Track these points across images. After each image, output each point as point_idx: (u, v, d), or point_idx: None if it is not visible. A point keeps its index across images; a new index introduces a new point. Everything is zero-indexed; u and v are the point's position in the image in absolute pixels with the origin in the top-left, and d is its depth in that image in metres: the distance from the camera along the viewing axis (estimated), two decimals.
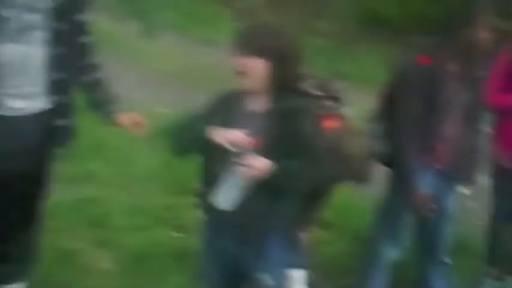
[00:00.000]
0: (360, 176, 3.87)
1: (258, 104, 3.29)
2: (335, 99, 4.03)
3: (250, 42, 3.24)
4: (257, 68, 3.22)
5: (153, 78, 7.87)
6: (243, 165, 3.12)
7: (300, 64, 3.33)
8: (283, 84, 3.27)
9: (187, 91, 7.55)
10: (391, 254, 4.28)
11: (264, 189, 3.20)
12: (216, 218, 3.38)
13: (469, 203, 5.03)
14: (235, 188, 3.19)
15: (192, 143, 3.34)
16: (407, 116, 4.03)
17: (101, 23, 7.57)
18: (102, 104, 3.79)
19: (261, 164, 3.14)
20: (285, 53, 3.24)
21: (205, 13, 10.10)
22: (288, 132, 3.22)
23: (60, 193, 4.89)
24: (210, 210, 3.37)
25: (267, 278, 3.40)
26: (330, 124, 3.89)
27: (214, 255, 3.52)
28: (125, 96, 7.10)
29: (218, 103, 3.36)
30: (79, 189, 5.14)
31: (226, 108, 3.31)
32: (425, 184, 4.07)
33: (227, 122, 3.25)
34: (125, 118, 3.74)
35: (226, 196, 3.21)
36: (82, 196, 5.02)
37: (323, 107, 3.95)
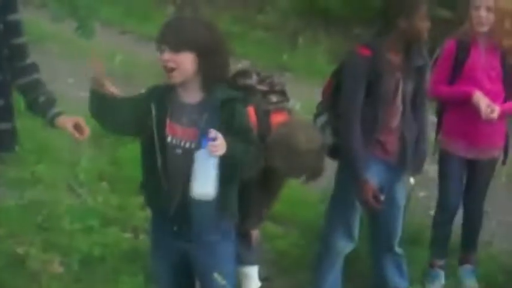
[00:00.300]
0: (312, 171, 3.87)
1: (191, 96, 3.31)
2: (280, 93, 4.03)
3: (177, 37, 3.23)
4: (185, 62, 3.24)
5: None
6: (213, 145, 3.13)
7: (228, 55, 3.37)
8: (214, 75, 3.30)
9: (129, 88, 7.46)
10: (344, 246, 4.28)
11: None
12: (162, 213, 3.37)
13: (418, 193, 5.08)
14: (209, 174, 3.16)
15: (115, 123, 3.43)
16: (350, 107, 4.04)
17: (41, 23, 7.50)
18: (42, 106, 3.68)
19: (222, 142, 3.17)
20: (211, 45, 3.27)
21: (145, 9, 10.00)
22: (224, 121, 3.25)
23: (6, 198, 4.81)
24: (155, 204, 3.38)
25: (218, 278, 3.38)
26: (278, 118, 3.90)
27: (163, 253, 3.49)
28: (68, 95, 7.11)
29: (151, 95, 3.35)
30: (25, 193, 5.04)
31: (159, 101, 3.30)
32: (372, 175, 4.08)
33: (161, 114, 3.28)
34: (67, 121, 3.61)
35: (204, 185, 3.17)
36: (28, 200, 4.92)
37: (269, 102, 3.95)
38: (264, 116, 3.85)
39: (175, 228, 3.38)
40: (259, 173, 3.83)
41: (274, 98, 3.97)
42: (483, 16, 4.32)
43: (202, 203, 3.22)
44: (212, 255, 3.42)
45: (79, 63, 7.93)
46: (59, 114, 3.64)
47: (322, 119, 4.27)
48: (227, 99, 3.31)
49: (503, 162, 4.64)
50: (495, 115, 4.30)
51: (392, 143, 4.14)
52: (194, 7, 9.91)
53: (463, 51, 4.41)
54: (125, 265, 4.51)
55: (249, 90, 3.92)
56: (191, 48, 3.22)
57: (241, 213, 3.95)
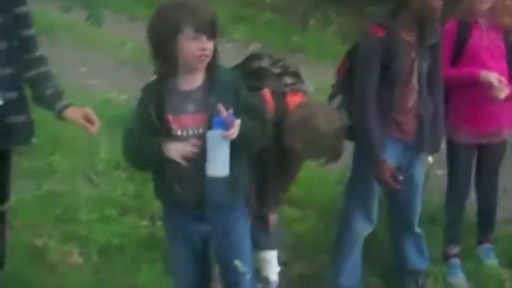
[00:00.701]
0: (332, 153, 3.85)
1: (194, 82, 3.30)
2: (295, 74, 4.01)
3: (212, 25, 3.22)
4: (212, 48, 3.26)
5: (107, 64, 7.76)
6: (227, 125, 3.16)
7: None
8: (217, 58, 3.32)
9: (141, 74, 7.44)
10: (364, 228, 4.26)
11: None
12: (182, 202, 3.36)
13: (436, 171, 5.04)
14: (223, 153, 3.20)
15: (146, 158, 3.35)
16: (365, 88, 4.00)
17: (51, 13, 7.49)
18: (49, 99, 3.65)
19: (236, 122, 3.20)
20: (218, 30, 3.29)
21: None
22: (231, 101, 3.26)
23: (22, 190, 4.81)
24: (174, 196, 3.35)
25: (239, 264, 3.40)
26: (294, 100, 3.88)
27: (183, 241, 3.50)
28: (81, 84, 7.11)
29: (146, 98, 3.31)
30: (42, 184, 5.03)
31: (159, 97, 3.27)
32: (390, 156, 4.05)
33: (166, 109, 3.26)
34: (75, 113, 3.58)
35: (219, 165, 3.22)
36: (45, 191, 4.92)
37: (284, 84, 3.93)
38: (280, 97, 3.84)
39: (196, 213, 3.39)
40: (276, 155, 3.82)
41: (288, 80, 3.96)
42: None
43: (217, 182, 3.25)
44: (230, 234, 3.47)
45: (90, 52, 7.98)
46: (67, 106, 3.62)
47: (337, 100, 4.24)
48: (230, 81, 3.34)
49: None
50: (503, 95, 4.19)
51: (409, 123, 4.10)
52: None
53: (464, 31, 4.31)
54: (143, 253, 4.52)
55: (262, 73, 3.90)
56: (216, 36, 3.25)
57: (259, 197, 3.95)
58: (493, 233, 4.71)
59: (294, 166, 4.06)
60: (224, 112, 3.17)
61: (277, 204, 4.18)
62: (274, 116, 3.72)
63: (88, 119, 3.54)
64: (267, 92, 3.83)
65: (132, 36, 8.49)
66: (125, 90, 6.92)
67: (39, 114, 6.10)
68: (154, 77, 3.34)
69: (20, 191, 4.81)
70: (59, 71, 7.20)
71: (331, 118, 3.81)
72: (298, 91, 3.95)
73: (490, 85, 4.20)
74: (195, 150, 3.24)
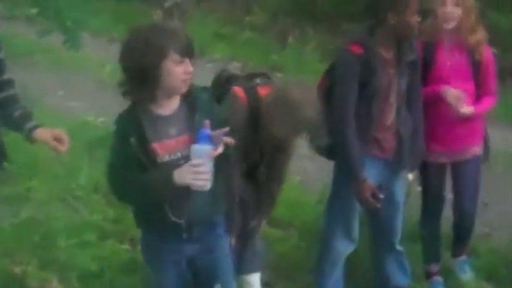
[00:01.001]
0: (312, 125, 3.81)
1: (171, 105, 3.26)
2: (263, 75, 4.02)
3: (193, 48, 3.21)
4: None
5: (86, 86, 7.72)
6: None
7: None
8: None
9: (120, 97, 7.42)
10: (345, 247, 4.25)
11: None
12: (171, 223, 3.31)
13: (416, 188, 5.03)
14: (208, 166, 3.14)
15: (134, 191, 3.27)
16: (344, 106, 4.00)
17: (29, 36, 7.45)
18: (18, 120, 3.61)
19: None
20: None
21: (132, 16, 9.94)
22: (210, 117, 3.21)
23: (0, 217, 4.76)
24: (161, 219, 3.30)
25: None
26: (265, 91, 3.87)
27: (169, 267, 3.45)
28: (59, 107, 7.06)
29: (128, 128, 3.23)
30: (19, 210, 4.97)
31: (139, 127, 3.20)
32: (370, 174, 4.05)
33: (149, 138, 3.20)
34: (45, 133, 3.55)
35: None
36: (23, 218, 4.86)
37: (255, 83, 3.92)
38: (251, 91, 3.84)
39: (185, 234, 3.35)
40: (264, 154, 3.81)
41: (258, 80, 3.94)
42: (450, 12, 4.14)
43: (202, 198, 3.22)
44: (213, 253, 3.45)
45: (69, 75, 7.94)
46: (36, 127, 3.59)
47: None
48: (208, 97, 3.34)
49: (485, 160, 4.49)
50: (463, 111, 4.17)
51: (388, 140, 4.11)
52: (182, 11, 9.86)
53: (429, 52, 4.24)
54: (123, 277, 4.47)
55: (232, 78, 3.91)
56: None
57: (253, 205, 3.92)
58: (469, 245, 4.66)
59: (282, 160, 4.01)
60: (207, 127, 3.12)
61: (271, 208, 4.14)
62: (248, 109, 3.71)
63: (58, 139, 3.50)
64: (237, 89, 3.82)
65: (112, 58, 8.45)
66: (103, 113, 6.88)
67: (16, 138, 6.10)
68: (128, 104, 3.29)
69: None
70: (37, 94, 7.26)
71: (304, 88, 3.79)
72: (269, 85, 3.93)
73: (452, 99, 4.17)
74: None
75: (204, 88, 3.42)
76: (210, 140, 3.11)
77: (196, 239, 3.40)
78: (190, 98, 3.28)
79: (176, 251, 3.42)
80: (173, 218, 3.28)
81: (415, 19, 3.94)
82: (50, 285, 4.36)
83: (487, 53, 4.28)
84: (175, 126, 3.25)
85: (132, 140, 3.18)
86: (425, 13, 4.04)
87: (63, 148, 3.49)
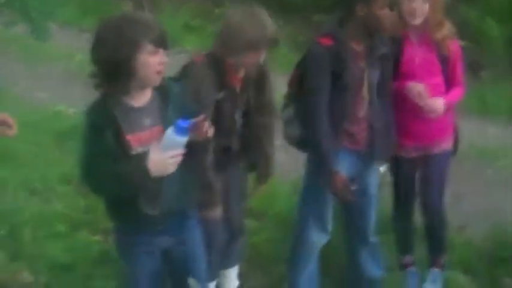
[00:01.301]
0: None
1: (144, 97, 3.23)
2: None
3: (166, 38, 3.17)
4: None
5: (55, 77, 7.63)
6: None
7: None
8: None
9: (90, 87, 7.34)
10: (318, 239, 4.22)
11: (185, 163, 3.19)
12: (146, 215, 3.27)
13: (389, 178, 5.04)
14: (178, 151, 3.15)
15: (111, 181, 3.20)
16: (315, 98, 3.97)
17: None
18: None
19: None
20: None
21: (102, 6, 9.84)
22: (179, 110, 3.22)
23: None
24: (136, 211, 3.25)
25: (193, 283, 3.40)
26: None
27: (143, 258, 3.41)
28: (27, 97, 6.97)
29: (102, 120, 3.18)
30: None
31: (113, 119, 3.16)
32: (342, 167, 4.03)
33: (123, 129, 3.16)
34: None
35: None
36: None
37: None
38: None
39: (159, 226, 3.32)
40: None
41: None
42: (418, 8, 4.07)
43: (173, 188, 3.21)
44: (186, 244, 3.43)
45: (38, 65, 7.84)
46: None
47: (289, 111, 4.22)
48: (178, 90, 3.33)
49: (454, 153, 4.44)
50: (440, 108, 4.14)
51: (360, 133, 4.09)
52: (152, 2, 9.78)
53: (395, 47, 4.16)
54: (96, 269, 4.42)
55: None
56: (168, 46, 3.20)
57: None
58: (443, 254, 4.54)
59: (269, 115, 4.02)
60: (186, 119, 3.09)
61: (270, 160, 4.11)
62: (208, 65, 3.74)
63: (4, 123, 3.43)
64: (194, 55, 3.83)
65: (81, 48, 8.38)
66: (74, 103, 6.81)
67: None
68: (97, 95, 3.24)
69: None
70: (5, 83, 7.15)
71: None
72: None
73: (418, 98, 4.13)
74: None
75: (174, 79, 3.41)
76: (186, 132, 3.09)
77: (170, 230, 3.38)
78: (162, 89, 3.25)
79: (150, 243, 3.38)
80: (148, 211, 3.24)
81: (383, 12, 3.89)
82: (20, 277, 4.30)
83: (455, 46, 4.25)
84: (149, 118, 3.22)
85: (107, 132, 3.13)
86: (391, 7, 4.00)
87: (11, 132, 3.42)
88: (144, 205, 3.24)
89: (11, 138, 5.72)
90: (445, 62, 4.22)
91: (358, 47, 3.98)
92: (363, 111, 4.06)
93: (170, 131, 3.08)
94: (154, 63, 3.13)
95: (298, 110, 4.15)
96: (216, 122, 3.63)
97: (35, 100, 6.98)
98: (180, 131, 3.07)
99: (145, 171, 3.11)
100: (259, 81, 3.96)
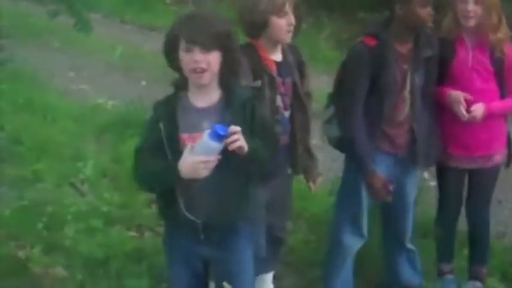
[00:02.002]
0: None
1: (208, 98, 3.20)
2: None
3: (208, 36, 3.09)
4: (215, 61, 3.13)
5: (96, 69, 7.65)
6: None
7: (238, 50, 3.27)
8: (232, 73, 3.23)
9: (131, 80, 7.37)
10: (354, 242, 4.16)
11: (232, 175, 3.15)
12: (186, 221, 3.22)
13: (429, 183, 4.95)
14: (210, 157, 3.08)
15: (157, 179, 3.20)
16: (353, 98, 3.91)
17: (39, 16, 7.38)
18: None
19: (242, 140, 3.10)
20: (232, 41, 3.18)
21: None
22: (247, 121, 3.18)
23: (6, 199, 4.70)
24: (177, 214, 3.22)
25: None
26: None
27: (183, 262, 3.36)
28: (70, 88, 7.01)
29: (157, 115, 3.20)
30: (26, 193, 4.89)
31: (171, 115, 3.17)
32: (380, 169, 3.96)
33: (171, 131, 3.15)
34: None
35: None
36: (29, 200, 4.78)
37: None
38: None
39: (201, 235, 3.27)
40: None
41: None
42: (471, 10, 3.97)
43: (224, 203, 3.17)
44: (232, 264, 3.34)
45: (79, 57, 7.87)
46: None
47: (330, 111, 4.16)
48: (247, 98, 3.24)
49: (507, 165, 4.33)
50: (477, 114, 4.02)
51: (400, 137, 4.01)
52: None
53: (447, 50, 4.07)
54: (129, 266, 4.39)
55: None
56: (219, 47, 3.12)
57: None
58: (485, 266, 4.43)
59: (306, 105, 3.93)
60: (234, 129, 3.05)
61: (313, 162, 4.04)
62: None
63: None
64: None
65: (123, 40, 8.41)
66: (114, 96, 6.83)
67: (24, 119, 6.05)
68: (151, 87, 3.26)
69: (3, 200, 4.71)
70: (47, 75, 7.19)
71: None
72: None
73: (456, 109, 4.03)
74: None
75: (246, 87, 3.37)
76: (222, 139, 3.02)
77: (215, 242, 3.29)
78: (230, 94, 3.20)
79: (192, 251, 3.32)
80: (186, 213, 3.19)
81: (425, 11, 3.81)
82: (54, 271, 4.29)
83: (510, 51, 4.10)
84: (208, 120, 3.16)
85: (161, 125, 3.14)
86: (445, 9, 3.91)
87: None
88: (184, 208, 3.19)
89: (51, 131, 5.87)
90: (500, 67, 4.10)
91: (402, 48, 3.91)
92: (403, 114, 3.98)
93: (206, 135, 3.02)
94: (188, 60, 3.11)
95: (337, 110, 4.09)
96: None
97: (75, 92, 7.00)
98: (216, 137, 3.00)
99: (174, 170, 3.07)
100: (300, 68, 3.89)
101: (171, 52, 3.15)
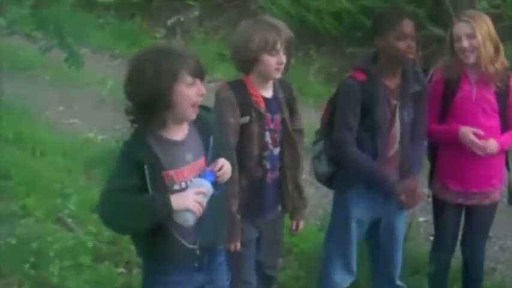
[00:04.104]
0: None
1: (183, 129, 3.19)
2: None
3: (201, 67, 3.13)
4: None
5: (86, 103, 7.66)
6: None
7: None
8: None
9: (121, 114, 7.35)
10: (343, 279, 4.14)
11: (219, 196, 3.20)
12: (183, 252, 3.21)
13: (418, 218, 4.95)
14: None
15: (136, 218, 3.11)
16: (344, 132, 3.90)
17: (30, 50, 7.40)
18: None
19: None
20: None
21: (135, 33, 9.90)
22: (217, 140, 3.25)
23: None
24: (172, 248, 3.19)
25: None
26: None
27: None
28: (60, 122, 7.00)
29: (135, 160, 3.09)
30: (14, 229, 4.87)
31: (151, 153, 3.10)
32: (369, 206, 3.97)
33: (163, 165, 3.11)
34: None
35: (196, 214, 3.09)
36: (17, 237, 4.76)
37: None
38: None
39: (196, 264, 3.26)
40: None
41: None
42: (467, 46, 3.95)
43: (208, 225, 3.18)
44: (215, 282, 3.37)
45: (69, 90, 7.88)
46: None
47: (318, 146, 4.16)
48: (214, 120, 3.30)
49: (510, 202, 4.31)
50: (493, 149, 4.00)
51: (390, 172, 3.98)
52: (185, 29, 9.81)
53: (451, 86, 4.05)
54: None
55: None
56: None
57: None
58: None
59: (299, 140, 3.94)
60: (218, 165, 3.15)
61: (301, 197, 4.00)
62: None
63: None
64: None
65: (113, 74, 8.42)
66: (103, 131, 6.83)
67: (14, 154, 6.03)
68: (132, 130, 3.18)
69: None
70: (38, 108, 7.19)
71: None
72: None
73: (470, 143, 4.00)
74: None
75: (206, 108, 3.33)
76: (213, 181, 3.11)
77: (205, 267, 3.30)
78: (199, 121, 3.20)
79: (185, 282, 3.28)
80: (184, 243, 3.17)
81: (403, 44, 3.80)
82: None
83: None
84: (190, 152, 3.17)
85: (146, 167, 3.06)
86: (443, 49, 3.89)
87: None
88: (184, 240, 3.17)
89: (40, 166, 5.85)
90: (503, 101, 4.07)
91: (390, 83, 3.91)
92: (393, 150, 3.97)
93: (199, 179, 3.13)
94: (192, 94, 3.09)
95: (326, 146, 4.09)
96: (247, 147, 3.65)
97: (65, 126, 7.01)
98: (207, 176, 3.11)
99: (167, 203, 3.04)
100: (290, 104, 3.89)
101: (165, 88, 3.04)
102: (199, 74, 3.11)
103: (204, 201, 3.08)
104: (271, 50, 3.66)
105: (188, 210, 3.04)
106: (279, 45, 3.68)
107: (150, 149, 3.10)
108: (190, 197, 3.05)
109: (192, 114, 3.14)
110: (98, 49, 8.97)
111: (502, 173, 4.24)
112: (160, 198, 3.06)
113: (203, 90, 3.10)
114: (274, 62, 3.68)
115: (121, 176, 3.10)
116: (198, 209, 3.06)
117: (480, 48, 3.96)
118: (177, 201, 3.05)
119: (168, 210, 3.05)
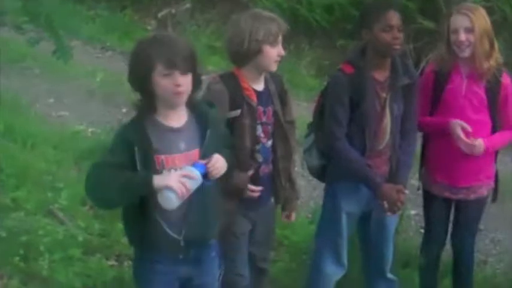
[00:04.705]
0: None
1: (179, 119, 3.24)
2: None
3: (186, 60, 3.13)
4: (190, 83, 3.18)
5: (76, 95, 7.62)
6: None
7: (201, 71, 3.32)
8: (197, 92, 3.30)
9: (111, 106, 7.34)
10: (334, 272, 4.16)
11: (210, 190, 3.22)
12: (167, 241, 3.24)
13: (409, 211, 4.96)
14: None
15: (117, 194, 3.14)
16: (334, 125, 3.90)
17: (21, 43, 7.34)
18: None
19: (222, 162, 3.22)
20: (198, 63, 3.23)
21: (126, 25, 9.86)
22: (217, 134, 3.29)
23: None
24: (157, 235, 3.23)
25: None
26: None
27: (161, 286, 3.36)
28: (50, 115, 6.97)
29: (127, 140, 3.17)
30: (5, 221, 4.84)
31: (145, 137, 3.16)
32: (359, 201, 3.99)
33: (155, 149, 3.16)
34: None
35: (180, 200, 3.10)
36: (8, 229, 4.73)
37: None
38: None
39: (181, 256, 3.30)
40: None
41: None
42: (464, 40, 3.94)
43: (198, 217, 3.21)
44: (206, 276, 3.41)
45: (60, 83, 7.83)
46: None
47: (310, 139, 4.15)
48: (216, 114, 3.34)
49: (493, 200, 4.32)
50: (479, 149, 3.99)
51: (381, 166, 3.99)
52: (176, 21, 9.78)
53: (442, 78, 4.04)
54: None
55: None
56: (193, 69, 3.17)
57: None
58: None
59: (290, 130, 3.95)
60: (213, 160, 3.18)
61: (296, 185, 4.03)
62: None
63: None
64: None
65: (103, 67, 8.39)
66: (94, 123, 6.81)
67: (4, 147, 6.00)
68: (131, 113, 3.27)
69: None
70: (28, 101, 7.15)
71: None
72: None
73: (457, 137, 4.00)
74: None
75: (210, 104, 3.39)
76: (203, 172, 3.14)
77: (192, 260, 3.33)
78: (199, 113, 3.26)
79: (170, 272, 3.33)
80: (169, 231, 3.21)
81: (389, 35, 3.78)
82: None
83: (506, 81, 4.06)
84: (185, 141, 3.22)
85: (136, 148, 3.13)
86: (438, 40, 3.88)
87: None
88: (168, 229, 3.21)
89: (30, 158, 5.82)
90: (494, 97, 4.05)
91: (379, 76, 3.91)
92: (383, 143, 3.97)
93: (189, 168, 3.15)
94: (168, 84, 3.12)
95: (317, 139, 4.09)
96: (239, 141, 3.64)
97: (55, 119, 6.97)
98: (198, 167, 3.14)
99: (147, 178, 3.08)
100: (281, 97, 3.90)
101: (142, 76, 3.14)
102: (177, 64, 3.11)
103: (190, 185, 3.08)
104: (274, 41, 3.66)
105: (170, 188, 3.05)
106: (280, 37, 3.69)
107: (143, 132, 3.16)
108: (174, 177, 3.08)
109: (177, 101, 3.18)
110: (89, 41, 8.93)
111: (491, 168, 4.23)
112: (142, 174, 3.12)
113: (178, 81, 3.11)
114: (275, 53, 3.68)
115: (110, 154, 3.20)
116: (181, 189, 3.06)
117: (476, 43, 3.95)
118: (159, 178, 3.09)
119: (148, 185, 3.08)
